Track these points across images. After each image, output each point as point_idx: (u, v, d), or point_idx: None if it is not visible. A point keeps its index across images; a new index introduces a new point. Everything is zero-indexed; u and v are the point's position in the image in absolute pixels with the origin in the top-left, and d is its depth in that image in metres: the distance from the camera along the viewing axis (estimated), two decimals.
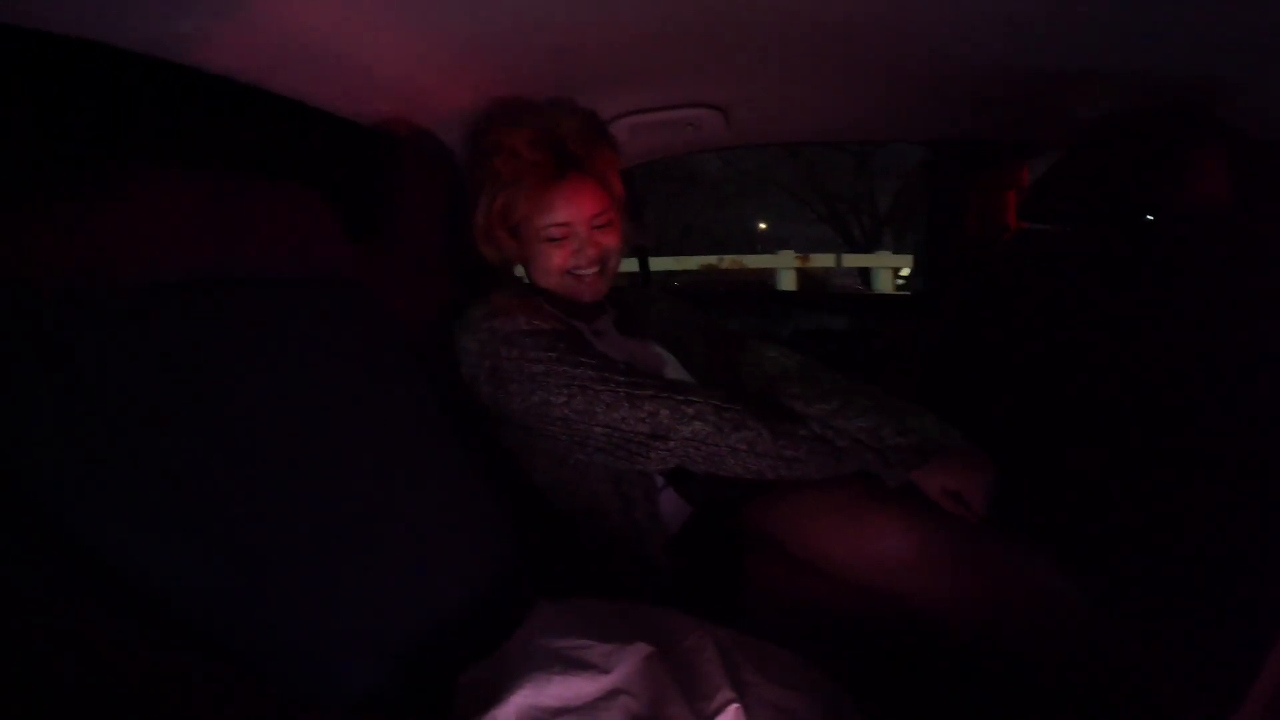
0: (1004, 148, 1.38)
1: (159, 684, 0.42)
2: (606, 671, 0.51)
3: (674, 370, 0.97)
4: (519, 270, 1.00)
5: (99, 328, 0.45)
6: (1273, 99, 0.99)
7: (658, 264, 4.57)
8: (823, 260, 5.71)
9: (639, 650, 0.53)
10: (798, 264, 5.37)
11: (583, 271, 0.92)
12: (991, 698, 0.70)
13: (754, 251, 7.02)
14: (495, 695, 0.46)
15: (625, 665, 0.52)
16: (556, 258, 0.91)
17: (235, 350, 0.54)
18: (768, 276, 5.52)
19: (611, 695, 0.49)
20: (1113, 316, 1.01)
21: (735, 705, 0.51)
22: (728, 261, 5.99)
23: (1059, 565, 0.72)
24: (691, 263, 6.22)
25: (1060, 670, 0.68)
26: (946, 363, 1.37)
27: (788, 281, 5.24)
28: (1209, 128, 0.99)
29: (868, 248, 8.01)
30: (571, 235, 0.91)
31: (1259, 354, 0.84)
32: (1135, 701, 0.65)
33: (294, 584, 0.51)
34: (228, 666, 0.47)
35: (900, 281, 5.00)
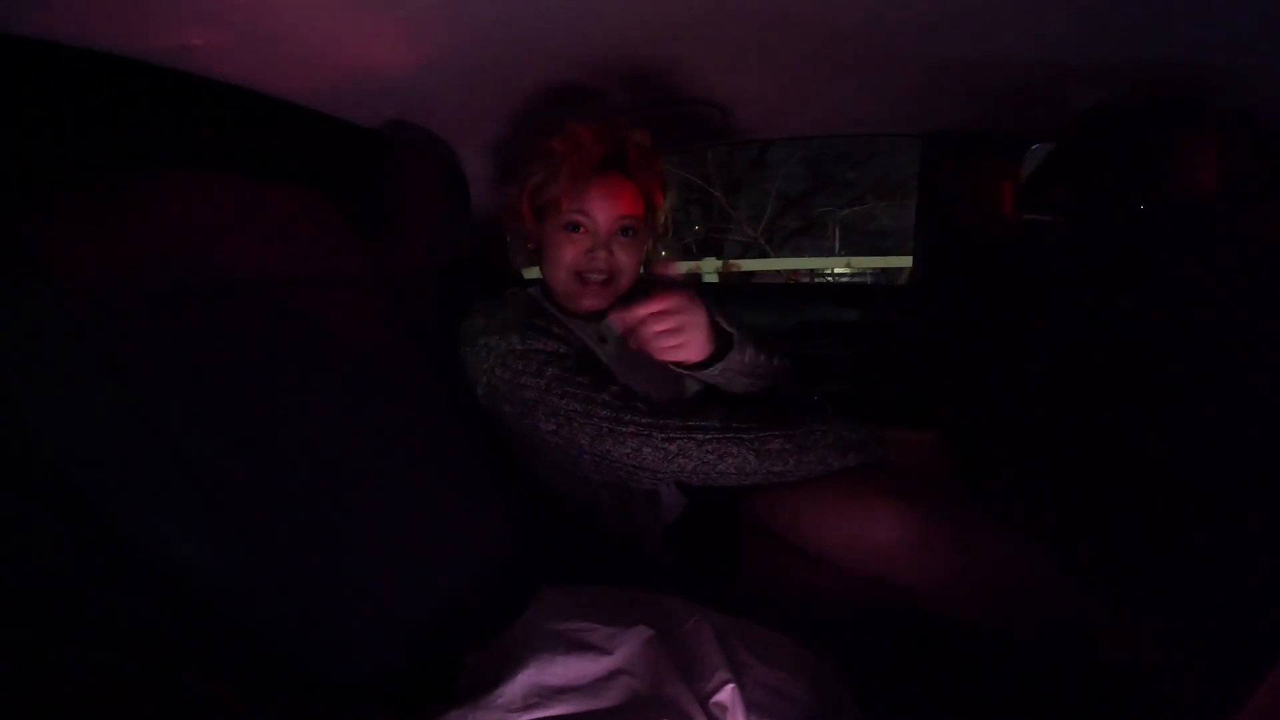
0: (998, 139, 1.39)
1: (173, 662, 0.44)
2: (608, 653, 0.53)
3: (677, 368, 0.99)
4: (530, 272, 1.01)
5: (125, 329, 0.48)
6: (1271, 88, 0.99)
7: None
8: None
9: (640, 633, 0.55)
10: None
11: (589, 276, 0.91)
12: (985, 683, 0.71)
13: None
14: (501, 674, 0.49)
15: (626, 647, 0.54)
16: (569, 251, 0.90)
17: (254, 350, 0.57)
18: None
19: (613, 675, 0.51)
20: (1109, 307, 1.03)
21: (731, 686, 0.53)
22: None
23: (1052, 552, 0.73)
24: None
25: (1054, 655, 0.69)
26: (947, 353, 1.38)
27: None
28: (1199, 119, 1.00)
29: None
30: (591, 232, 0.91)
31: (1254, 343, 0.85)
32: (1129, 686, 0.66)
33: (308, 568, 0.54)
34: (243, 646, 0.49)
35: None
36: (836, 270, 5.98)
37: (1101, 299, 1.05)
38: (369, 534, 0.60)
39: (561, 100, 1.07)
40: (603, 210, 0.90)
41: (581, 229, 0.91)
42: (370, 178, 0.98)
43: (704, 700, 0.53)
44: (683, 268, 5.27)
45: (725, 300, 1.26)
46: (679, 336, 0.82)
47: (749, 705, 0.53)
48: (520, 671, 0.48)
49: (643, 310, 0.80)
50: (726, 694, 0.53)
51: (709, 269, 5.01)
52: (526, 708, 0.46)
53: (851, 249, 7.39)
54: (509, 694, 0.47)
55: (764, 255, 7.48)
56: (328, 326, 0.67)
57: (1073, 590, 0.71)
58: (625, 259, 0.92)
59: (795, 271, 5.67)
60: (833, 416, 0.85)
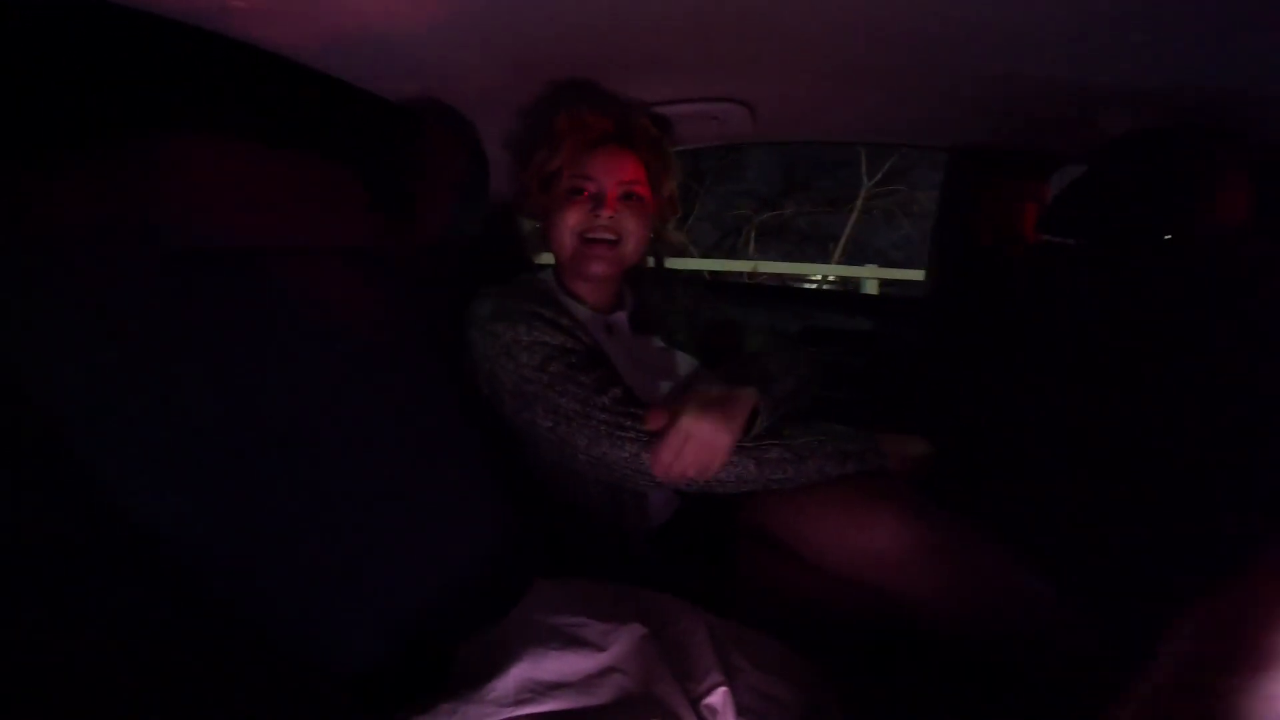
0: (1026, 159, 1.37)
1: (168, 651, 0.44)
2: (602, 649, 0.53)
3: (684, 369, 0.98)
4: (544, 259, 1.01)
5: (140, 292, 0.47)
6: None
7: None
8: None
9: (634, 631, 0.55)
10: None
11: (595, 235, 0.90)
12: (974, 694, 0.71)
13: None
14: (494, 666, 0.48)
15: (620, 644, 0.54)
16: (573, 215, 0.90)
17: (264, 320, 0.56)
18: None
19: (606, 673, 0.52)
20: (1124, 334, 1.02)
21: (724, 688, 0.53)
22: None
23: (1037, 567, 0.74)
24: None
25: (1031, 662, 0.70)
26: (952, 368, 1.38)
27: None
28: (1233, 147, 0.98)
29: None
30: (594, 195, 0.91)
31: (1269, 376, 0.85)
32: (1101, 692, 0.67)
33: (303, 551, 0.53)
34: (240, 632, 0.49)
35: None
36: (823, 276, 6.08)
37: (1117, 327, 1.04)
38: (365, 520, 0.59)
39: (586, 90, 1.06)
40: (605, 174, 0.91)
41: (584, 193, 0.91)
42: (394, 151, 0.97)
43: (695, 701, 0.53)
44: None
45: (733, 300, 1.24)
46: (689, 459, 0.78)
47: (739, 709, 0.53)
48: (513, 665, 0.48)
49: (658, 466, 0.78)
50: (718, 697, 0.53)
51: None
52: (518, 703, 0.46)
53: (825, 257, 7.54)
54: (501, 688, 0.47)
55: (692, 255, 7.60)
56: (340, 301, 0.67)
57: (1052, 604, 0.72)
58: (630, 223, 0.92)
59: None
60: (831, 426, 0.85)
